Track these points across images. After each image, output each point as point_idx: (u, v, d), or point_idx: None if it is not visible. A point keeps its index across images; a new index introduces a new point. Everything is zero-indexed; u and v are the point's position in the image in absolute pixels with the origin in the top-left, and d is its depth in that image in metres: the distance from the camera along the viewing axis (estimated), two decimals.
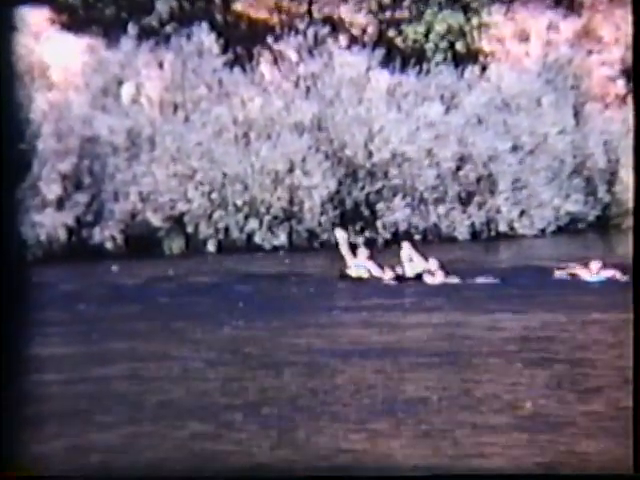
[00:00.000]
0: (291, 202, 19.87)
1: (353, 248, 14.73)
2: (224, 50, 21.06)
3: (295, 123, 20.46)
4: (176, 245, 18.69)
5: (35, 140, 17.87)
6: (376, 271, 13.75)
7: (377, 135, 21.35)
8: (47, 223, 17.23)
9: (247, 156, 19.59)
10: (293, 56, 22.11)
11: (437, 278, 13.12)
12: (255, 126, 20.11)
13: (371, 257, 14.10)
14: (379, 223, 20.98)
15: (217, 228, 19.05)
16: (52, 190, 17.48)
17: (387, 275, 13.57)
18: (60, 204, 17.56)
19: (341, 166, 20.82)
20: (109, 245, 17.87)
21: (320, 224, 20.14)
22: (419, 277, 13.32)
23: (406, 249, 13.86)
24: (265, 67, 21.92)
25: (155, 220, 18.37)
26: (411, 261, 13.51)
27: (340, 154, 20.96)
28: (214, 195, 19.03)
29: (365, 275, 13.75)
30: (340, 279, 13.77)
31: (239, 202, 19.27)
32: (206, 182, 18.97)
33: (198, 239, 18.91)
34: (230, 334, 9.21)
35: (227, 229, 19.16)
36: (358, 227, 20.79)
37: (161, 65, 20.20)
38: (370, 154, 21.24)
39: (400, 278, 13.37)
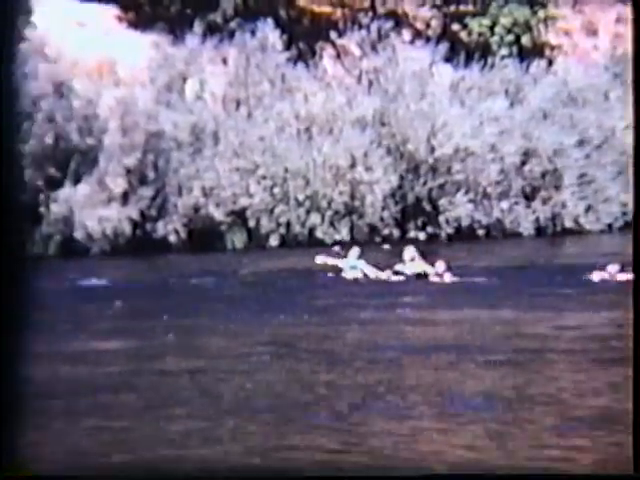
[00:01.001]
0: (352, 197, 20.05)
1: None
2: (287, 46, 21.30)
3: (357, 118, 20.63)
4: (238, 239, 19.01)
5: (102, 135, 18.36)
6: (370, 271, 13.44)
7: (440, 130, 21.40)
8: (113, 217, 17.68)
9: (309, 151, 19.83)
10: (356, 51, 22.29)
11: (445, 279, 12.90)
12: (317, 121, 20.33)
13: (362, 255, 13.78)
14: (441, 218, 21.05)
15: (279, 222, 19.31)
16: (118, 184, 17.92)
17: (383, 275, 13.24)
18: (125, 198, 18.00)
19: (403, 161, 20.94)
20: (172, 239, 18.26)
21: (382, 219, 20.30)
22: (420, 277, 13.02)
23: (410, 250, 13.53)
24: (328, 62, 22.16)
25: (218, 214, 18.71)
26: (412, 261, 13.27)
27: (402, 149, 21.08)
28: (276, 190, 19.30)
29: (359, 275, 13.42)
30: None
31: (301, 197, 19.51)
32: (268, 177, 19.26)
33: (260, 233, 19.21)
34: (292, 329, 9.24)
35: (289, 224, 19.42)
36: (420, 222, 20.90)
37: (225, 61, 20.54)
38: (433, 149, 21.32)
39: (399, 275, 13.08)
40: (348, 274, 13.50)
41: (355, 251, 13.96)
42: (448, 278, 12.93)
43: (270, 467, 4.64)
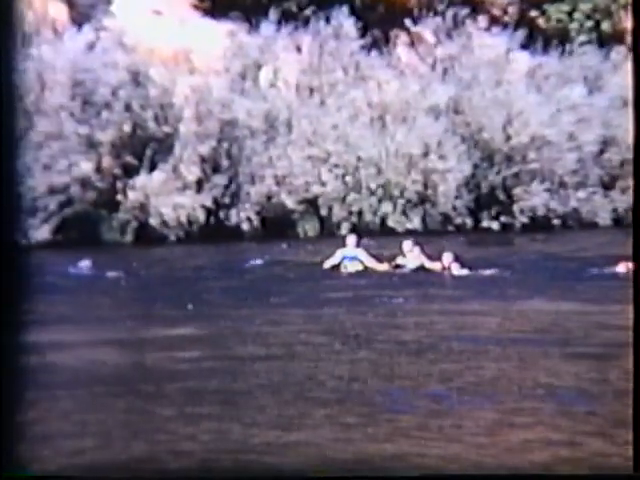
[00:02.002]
0: (425, 186, 20.17)
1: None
2: (362, 33, 21.44)
3: (431, 106, 20.71)
4: (310, 227, 19.30)
5: (177, 123, 18.79)
6: (369, 262, 12.75)
7: (516, 118, 21.35)
8: (187, 204, 18.12)
9: (382, 139, 19.99)
10: (431, 38, 22.33)
11: (454, 271, 12.41)
12: (391, 109, 20.46)
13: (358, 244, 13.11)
14: (516, 207, 21.02)
15: (351, 211, 19.53)
16: (192, 172, 18.34)
17: (383, 266, 12.67)
18: (199, 186, 18.41)
19: (477, 149, 20.95)
20: (245, 226, 18.62)
21: (454, 208, 20.38)
22: (419, 269, 12.55)
23: (408, 243, 12.95)
24: (402, 50, 22.25)
25: (290, 202, 19.01)
26: (411, 252, 12.73)
27: (477, 137, 21.09)
28: (348, 178, 19.51)
29: (359, 267, 12.67)
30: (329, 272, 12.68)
31: (373, 185, 19.69)
32: (341, 165, 19.47)
33: (332, 222, 19.45)
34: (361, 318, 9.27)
35: (361, 212, 19.63)
36: (494, 212, 20.91)
37: (299, 49, 20.79)
38: (508, 137, 21.28)
39: (400, 269, 12.58)
40: (348, 266, 12.77)
41: (352, 239, 13.19)
42: (457, 270, 12.44)
43: (270, 467, 4.62)
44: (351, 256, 12.84)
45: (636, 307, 4.23)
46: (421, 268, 12.61)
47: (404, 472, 4.40)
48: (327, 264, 12.82)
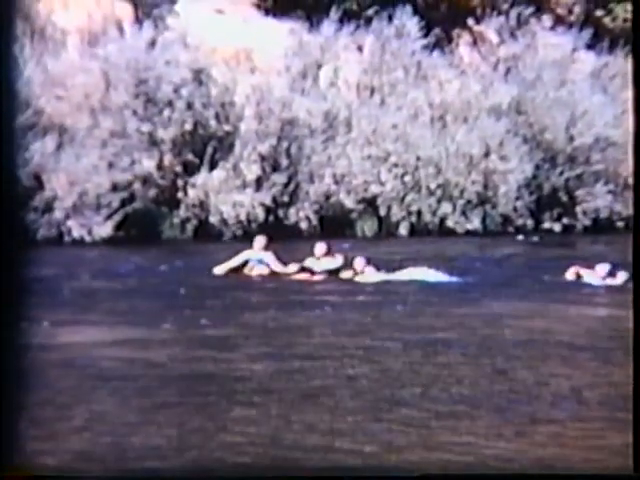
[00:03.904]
0: (486, 186, 20.32)
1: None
2: (425, 33, 21.66)
3: (493, 106, 20.85)
4: (368, 227, 19.60)
5: (238, 122, 19.24)
6: (276, 265, 12.32)
7: (580, 119, 21.41)
8: (246, 203, 18.54)
9: (442, 139, 20.19)
10: (494, 37, 22.47)
11: (367, 276, 11.94)
12: (451, 109, 20.66)
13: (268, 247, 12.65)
14: (578, 209, 21.08)
15: (409, 211, 19.77)
16: (252, 170, 18.76)
17: (291, 269, 12.26)
18: (259, 184, 18.84)
19: (539, 150, 21.05)
20: (303, 225, 18.99)
21: (515, 209, 20.50)
22: (332, 273, 12.07)
23: (321, 245, 12.49)
24: (464, 49, 22.43)
25: (348, 202, 19.31)
26: (324, 256, 12.28)
27: (539, 138, 21.19)
28: (407, 178, 19.75)
29: (264, 271, 12.24)
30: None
31: (432, 185, 19.90)
32: (400, 165, 19.72)
33: (390, 221, 19.72)
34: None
35: (419, 212, 19.85)
36: (555, 214, 20.99)
37: (360, 48, 21.09)
38: (571, 138, 21.34)
39: (311, 273, 12.14)
40: (254, 269, 12.34)
41: (260, 241, 12.74)
42: (372, 274, 11.94)
43: (270, 467, 4.63)
44: (257, 259, 12.44)
45: (636, 310, 4.43)
46: (333, 272, 12.11)
47: (404, 472, 4.48)
48: (222, 267, 12.34)
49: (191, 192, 18.57)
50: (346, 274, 12.05)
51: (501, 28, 22.33)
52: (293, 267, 12.30)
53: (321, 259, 12.29)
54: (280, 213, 18.89)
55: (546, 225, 20.76)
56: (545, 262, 14.27)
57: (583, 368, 7.45)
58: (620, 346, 7.88)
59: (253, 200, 18.54)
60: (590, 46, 22.41)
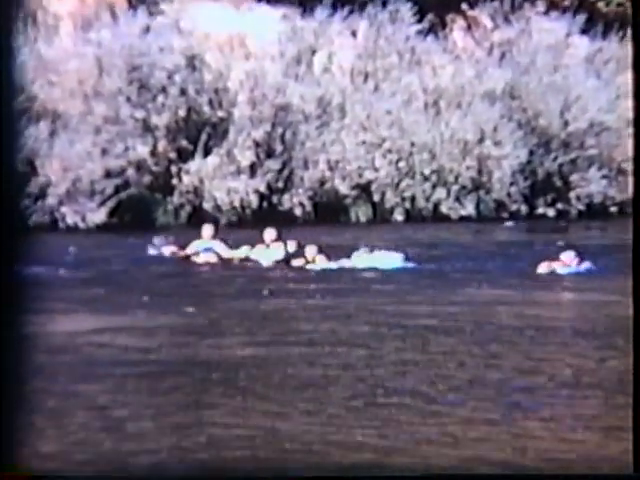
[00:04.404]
0: (480, 172, 20.38)
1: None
2: (419, 18, 21.66)
3: (487, 91, 20.88)
4: (363, 213, 19.67)
5: (232, 108, 19.26)
6: (225, 252, 12.22)
7: (574, 104, 21.45)
8: (240, 189, 18.59)
9: (436, 125, 20.22)
10: (488, 22, 22.47)
11: (318, 264, 11.80)
12: (445, 94, 20.68)
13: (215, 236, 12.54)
14: (572, 195, 21.14)
15: (404, 197, 19.83)
16: (246, 157, 18.79)
17: (239, 256, 12.14)
18: (253, 170, 18.88)
19: (534, 135, 21.09)
20: (298, 211, 19.04)
21: (509, 195, 20.56)
22: (285, 262, 11.94)
23: (270, 231, 12.47)
24: (458, 34, 22.42)
25: (343, 188, 19.36)
26: (274, 242, 12.22)
27: (533, 123, 21.23)
28: (402, 164, 19.79)
29: (213, 259, 12.16)
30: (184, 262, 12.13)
31: (427, 171, 19.95)
32: (394, 150, 19.76)
33: (385, 207, 19.79)
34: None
35: (414, 198, 19.91)
36: (549, 199, 21.06)
37: (354, 34, 21.08)
38: (566, 123, 21.40)
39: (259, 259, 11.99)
40: (200, 257, 12.26)
41: (209, 230, 12.70)
42: (323, 262, 11.83)
43: (270, 467, 4.58)
44: (206, 247, 12.37)
45: (635, 307, 4.46)
46: (283, 261, 12.03)
47: (403, 472, 4.48)
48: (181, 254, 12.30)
49: (185, 178, 18.61)
50: (297, 262, 11.94)
51: (495, 13, 22.33)
52: (241, 254, 12.21)
53: (271, 246, 12.22)
54: (274, 199, 18.94)
55: (540, 210, 20.82)
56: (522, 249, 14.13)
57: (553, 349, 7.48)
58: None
59: (247, 186, 18.59)
60: (584, 31, 22.42)
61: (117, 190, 17.84)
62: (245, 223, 18.23)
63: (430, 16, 21.97)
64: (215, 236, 12.58)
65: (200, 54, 19.50)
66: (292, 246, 12.23)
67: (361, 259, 11.99)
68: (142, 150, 18.29)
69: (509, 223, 19.65)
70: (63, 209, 17.51)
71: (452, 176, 20.16)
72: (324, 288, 10.40)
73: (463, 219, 19.85)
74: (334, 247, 12.63)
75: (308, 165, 19.24)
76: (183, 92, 18.89)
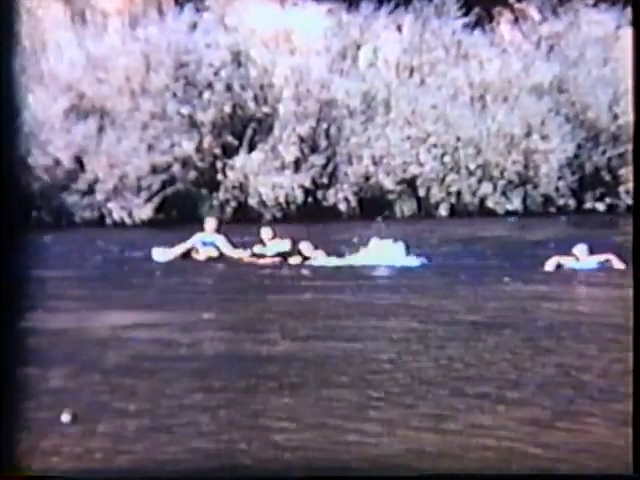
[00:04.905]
0: (526, 166, 20.27)
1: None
2: (465, 11, 21.59)
3: (534, 85, 20.75)
4: (407, 208, 19.66)
5: (277, 104, 19.36)
6: (227, 249, 11.94)
7: (623, 97, 21.22)
8: (285, 184, 18.69)
9: (482, 119, 20.15)
10: (535, 15, 22.32)
11: (319, 260, 11.61)
12: (492, 88, 20.59)
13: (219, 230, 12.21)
14: (621, 189, 20.94)
15: (449, 192, 19.80)
16: (290, 152, 18.89)
17: (239, 254, 11.87)
18: (297, 166, 18.97)
19: (582, 129, 20.92)
20: (342, 207, 19.10)
21: (557, 189, 20.42)
22: (281, 256, 11.72)
23: (267, 229, 12.20)
24: (505, 27, 22.30)
25: (387, 183, 19.37)
26: (272, 239, 11.98)
27: (582, 117, 21.06)
28: (447, 158, 19.75)
29: (214, 254, 11.86)
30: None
31: (472, 166, 19.88)
32: (439, 145, 19.72)
33: (430, 202, 19.76)
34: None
35: (459, 193, 19.87)
36: (598, 193, 20.88)
37: (399, 28, 21.07)
38: (615, 117, 21.19)
39: (260, 256, 11.77)
40: (200, 252, 11.95)
41: (211, 224, 12.32)
42: (323, 258, 11.60)
43: (269, 467, 4.55)
44: (208, 242, 12.05)
45: (636, 306, 4.45)
46: (281, 256, 11.80)
47: (404, 472, 4.47)
48: (169, 253, 11.96)
49: (230, 174, 18.75)
50: (294, 259, 11.77)
51: (543, 5, 22.18)
52: (243, 250, 12.01)
53: (269, 243, 12.00)
54: (319, 195, 19.01)
55: (588, 205, 20.66)
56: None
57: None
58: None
59: (292, 182, 18.68)
60: (634, 23, 22.13)
61: (163, 186, 18.04)
62: (290, 218, 18.33)
63: (477, 9, 21.89)
64: (219, 230, 12.26)
65: (246, 50, 19.63)
66: (289, 243, 12.00)
67: (359, 256, 11.65)
68: (188, 146, 18.47)
69: (557, 217, 19.53)
70: (110, 205, 17.76)
71: (498, 171, 20.07)
72: (352, 285, 10.42)
73: (509, 214, 19.76)
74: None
75: (353, 160, 19.28)
76: (229, 88, 19.03)
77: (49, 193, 17.45)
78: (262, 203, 18.69)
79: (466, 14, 21.50)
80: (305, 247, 11.88)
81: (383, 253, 11.80)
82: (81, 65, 19.01)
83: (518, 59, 21.18)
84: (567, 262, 11.35)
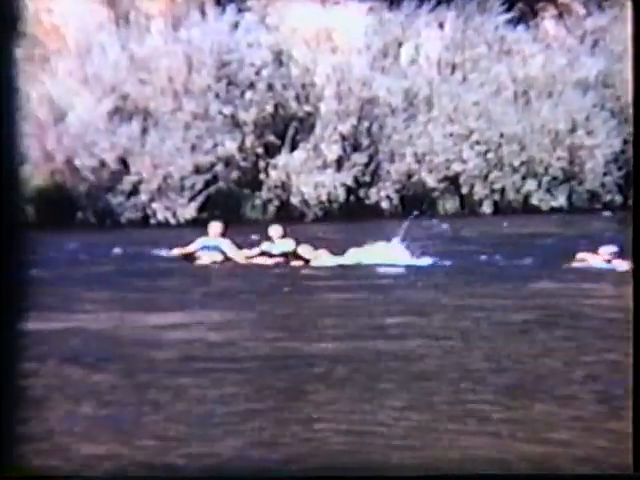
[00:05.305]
0: (571, 162, 20.12)
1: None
2: (508, 7, 21.47)
3: (579, 80, 20.60)
4: (450, 205, 19.62)
5: (318, 103, 19.43)
6: (232, 252, 11.69)
7: None
8: (327, 183, 18.75)
9: (526, 115, 20.04)
10: (580, 10, 22.13)
11: (324, 260, 11.41)
12: (536, 84, 20.47)
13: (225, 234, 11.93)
14: None
15: (493, 189, 19.72)
16: (332, 151, 18.94)
17: (246, 255, 11.68)
18: (339, 165, 19.02)
19: (628, 124, 20.70)
20: (385, 205, 19.11)
21: (603, 185, 20.26)
22: (285, 256, 11.55)
23: (276, 228, 11.95)
24: (549, 22, 22.13)
25: (430, 180, 19.36)
26: (281, 239, 11.73)
27: (627, 112, 20.81)
28: (490, 155, 19.68)
29: (218, 259, 11.63)
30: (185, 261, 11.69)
31: (516, 162, 19.79)
32: (482, 142, 19.65)
33: (473, 199, 19.70)
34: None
35: (503, 190, 19.78)
36: None
37: (441, 25, 21.01)
38: None
39: (269, 255, 11.58)
40: (204, 257, 11.71)
41: (216, 227, 12.06)
42: (328, 258, 11.42)
43: (270, 467, 4.52)
44: (212, 245, 11.78)
45: (636, 305, 4.44)
46: (292, 254, 11.62)
47: (403, 472, 4.43)
48: (175, 251, 11.89)
49: (273, 173, 18.85)
50: (296, 261, 11.59)
51: (588, 0, 21.97)
52: (249, 253, 11.80)
53: (276, 242, 11.79)
54: (361, 193, 19.04)
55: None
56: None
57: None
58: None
59: (334, 180, 18.73)
60: None
61: (206, 185, 18.19)
62: (332, 217, 18.39)
63: (520, 5, 21.76)
64: (224, 234, 11.97)
65: (287, 49, 19.71)
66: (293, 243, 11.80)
67: (363, 255, 11.50)
68: (230, 146, 18.60)
69: (605, 214, 19.36)
70: (154, 205, 17.95)
71: (542, 167, 19.96)
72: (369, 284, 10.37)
73: (554, 210, 19.64)
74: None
75: (395, 158, 19.28)
76: (270, 87, 19.12)
77: (95, 194, 17.68)
78: (304, 202, 18.76)
79: (509, 10, 21.38)
80: (305, 250, 11.69)
81: (386, 253, 11.59)
82: (124, 67, 19.21)
83: (562, 54, 21.04)
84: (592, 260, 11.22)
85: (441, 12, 21.03)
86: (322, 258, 11.61)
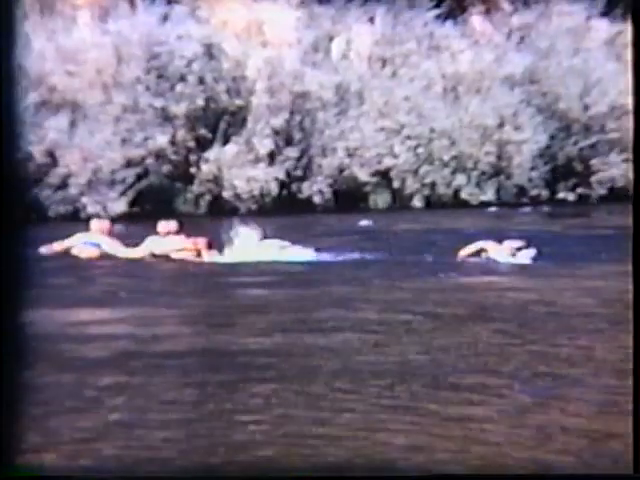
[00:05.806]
0: (500, 157, 20.50)
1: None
2: (437, 3, 21.73)
3: (506, 76, 20.97)
4: (382, 200, 19.82)
5: (250, 96, 19.43)
6: (113, 248, 11.33)
7: (594, 87, 21.52)
8: (260, 177, 18.78)
9: (455, 110, 20.34)
10: (507, 6, 22.52)
11: (212, 256, 11.12)
12: (464, 80, 20.78)
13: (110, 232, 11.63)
14: (593, 179, 21.24)
15: (423, 183, 19.98)
16: (265, 145, 18.98)
17: (132, 253, 11.22)
18: (272, 159, 19.06)
19: (554, 120, 21.18)
20: (317, 199, 19.22)
21: (530, 180, 20.68)
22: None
23: (173, 223, 11.50)
24: (477, 19, 22.48)
25: (362, 175, 19.51)
26: (168, 235, 11.28)
27: (553, 107, 21.31)
28: (421, 150, 19.92)
29: (95, 254, 11.26)
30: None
31: (446, 157, 20.07)
32: (413, 137, 19.88)
33: (404, 194, 19.94)
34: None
35: (434, 184, 20.06)
36: (570, 183, 21.15)
37: (372, 20, 21.18)
38: (586, 107, 21.46)
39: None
40: (82, 252, 11.33)
41: (96, 224, 11.79)
42: (215, 255, 11.15)
43: (270, 467, 4.44)
44: (92, 242, 11.50)
45: (635, 303, 4.56)
46: (181, 251, 11.21)
47: (403, 472, 4.40)
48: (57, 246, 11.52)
49: (204, 167, 18.81)
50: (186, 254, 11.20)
51: None
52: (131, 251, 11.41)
53: (166, 238, 11.35)
54: (294, 187, 19.12)
55: (561, 195, 20.94)
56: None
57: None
58: None
59: (267, 174, 18.77)
60: (604, 13, 22.42)
61: (138, 179, 18.06)
62: (265, 211, 18.41)
63: (448, 1, 22.04)
64: (111, 233, 11.71)
65: (218, 42, 19.65)
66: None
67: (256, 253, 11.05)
68: (161, 139, 18.49)
69: (528, 209, 19.77)
70: (84, 199, 17.75)
71: (472, 162, 20.28)
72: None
73: (484, 205, 19.98)
74: None
75: (327, 153, 19.40)
76: (201, 81, 19.05)
77: (21, 188, 17.42)
78: (237, 196, 18.77)
79: (438, 5, 21.64)
80: (200, 242, 11.32)
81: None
82: (51, 58, 18.94)
83: (490, 50, 21.38)
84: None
85: (371, 7, 21.20)
86: (210, 254, 11.17)
